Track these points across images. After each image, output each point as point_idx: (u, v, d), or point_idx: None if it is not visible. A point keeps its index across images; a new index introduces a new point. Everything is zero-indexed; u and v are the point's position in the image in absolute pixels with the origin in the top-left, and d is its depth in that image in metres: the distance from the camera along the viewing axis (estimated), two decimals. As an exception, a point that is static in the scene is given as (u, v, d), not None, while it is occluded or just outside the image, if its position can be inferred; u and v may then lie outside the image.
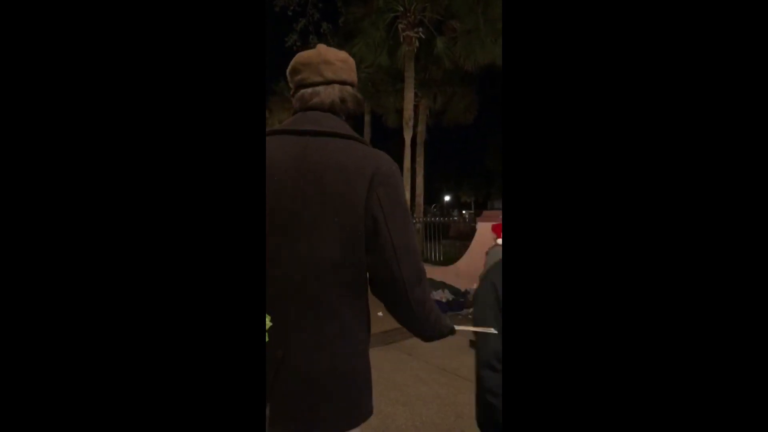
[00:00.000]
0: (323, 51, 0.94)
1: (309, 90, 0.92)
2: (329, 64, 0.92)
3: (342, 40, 11.01)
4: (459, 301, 5.46)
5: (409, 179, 9.31)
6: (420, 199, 9.73)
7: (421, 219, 7.64)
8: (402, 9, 8.96)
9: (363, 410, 0.86)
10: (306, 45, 11.05)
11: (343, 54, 0.95)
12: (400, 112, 10.14)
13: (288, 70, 0.96)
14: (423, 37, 9.11)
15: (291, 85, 0.97)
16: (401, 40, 9.15)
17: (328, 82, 0.92)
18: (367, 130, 13.48)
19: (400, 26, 9.10)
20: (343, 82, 0.93)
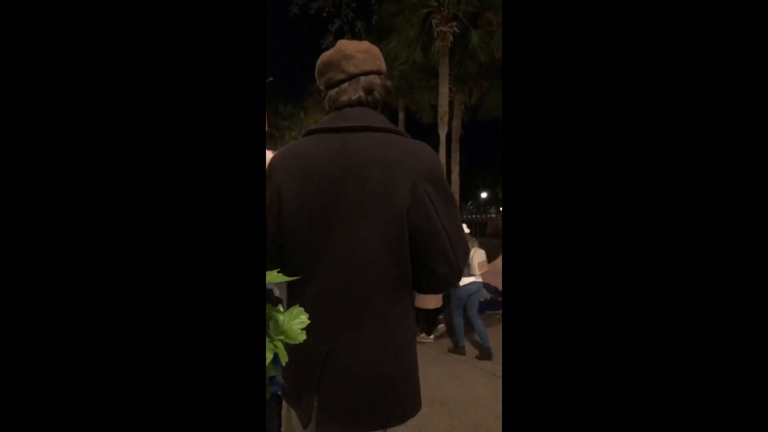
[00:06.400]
0: (343, 46, 0.91)
1: (335, 89, 0.91)
2: (350, 58, 0.90)
3: (376, 39, 11.00)
4: (497, 300, 5.28)
5: (444, 176, 9.14)
6: (456, 196, 9.58)
7: (457, 216, 7.47)
8: (436, 4, 8.82)
9: (408, 407, 0.86)
10: (340, 45, 11.10)
11: (364, 44, 0.92)
12: (434, 108, 9.99)
13: (316, 74, 0.95)
14: (457, 31, 8.93)
15: (321, 87, 0.96)
16: (435, 35, 9.01)
17: (352, 77, 0.90)
18: (401, 127, 13.39)
19: (434, 21, 8.95)
20: (367, 73, 0.90)
